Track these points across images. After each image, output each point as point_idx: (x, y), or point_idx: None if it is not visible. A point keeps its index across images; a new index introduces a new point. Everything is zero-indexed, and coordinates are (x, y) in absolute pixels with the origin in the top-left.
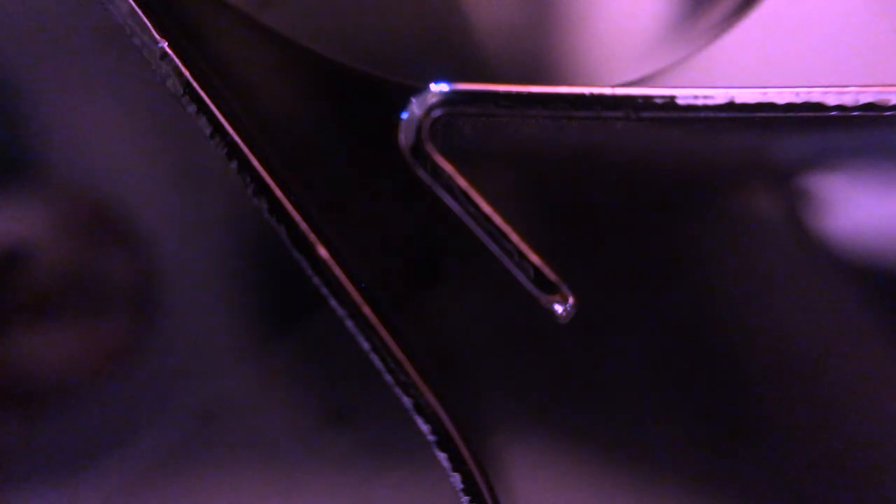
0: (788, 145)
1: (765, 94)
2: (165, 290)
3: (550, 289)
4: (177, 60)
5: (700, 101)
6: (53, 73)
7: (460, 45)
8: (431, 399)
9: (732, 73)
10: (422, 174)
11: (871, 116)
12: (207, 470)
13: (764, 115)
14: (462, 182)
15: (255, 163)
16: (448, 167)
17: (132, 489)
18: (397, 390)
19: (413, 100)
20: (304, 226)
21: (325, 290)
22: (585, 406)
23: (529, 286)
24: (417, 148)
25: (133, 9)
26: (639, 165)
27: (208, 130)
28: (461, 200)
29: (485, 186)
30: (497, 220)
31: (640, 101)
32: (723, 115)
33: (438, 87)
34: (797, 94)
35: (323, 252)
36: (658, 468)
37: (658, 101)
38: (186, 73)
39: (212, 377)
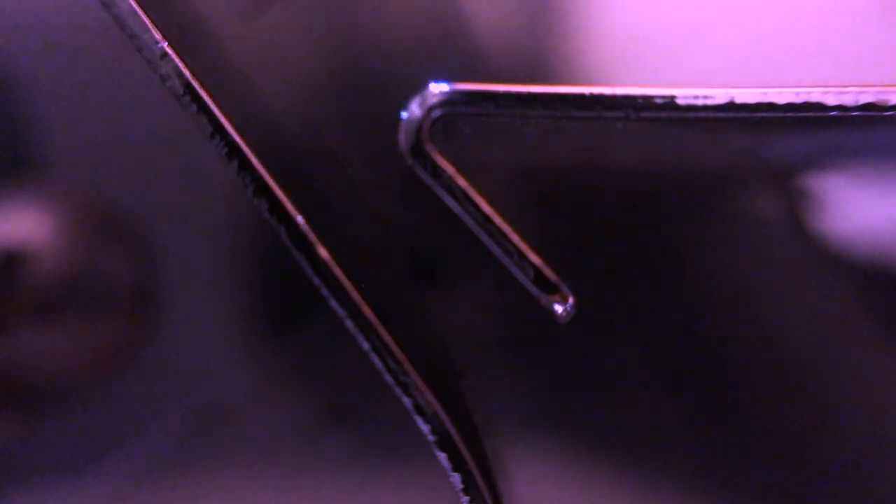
0: (788, 145)
1: (765, 94)
2: (166, 291)
3: (550, 289)
4: (177, 60)
5: (700, 101)
6: (53, 73)
7: (460, 45)
8: (431, 399)
9: (733, 72)
10: (422, 174)
11: (871, 116)
12: (207, 470)
13: (764, 115)
14: (462, 182)
15: (256, 163)
16: (448, 167)
17: (132, 489)
18: (397, 390)
19: (413, 100)
20: (304, 226)
21: (325, 290)
22: (585, 406)
23: (529, 286)
24: (417, 148)
25: (133, 9)
26: (639, 165)
27: (208, 130)
28: (461, 200)
29: (485, 186)
30: (497, 220)
31: (640, 101)
32: (723, 115)
33: (438, 87)
34: (797, 94)
35: (323, 252)
36: (658, 468)
37: (658, 101)
38: (186, 73)
39: (212, 377)
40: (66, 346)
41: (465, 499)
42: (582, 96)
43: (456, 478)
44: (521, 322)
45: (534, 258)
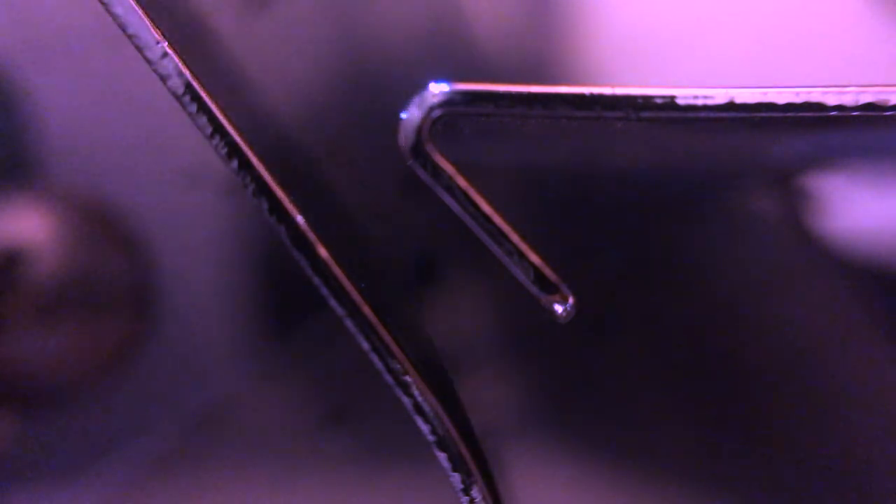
0: (788, 145)
1: (765, 94)
2: (165, 291)
3: (550, 289)
4: (177, 60)
5: (700, 101)
6: (53, 73)
7: (460, 45)
8: (431, 399)
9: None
10: (422, 174)
11: (871, 116)
12: (207, 470)
13: (764, 115)
14: (462, 182)
15: (256, 163)
16: (448, 167)
17: (132, 489)
18: (397, 390)
19: (413, 100)
20: (304, 226)
21: (325, 290)
22: (586, 406)
23: (529, 286)
24: (417, 148)
25: (133, 9)
26: (639, 165)
27: (208, 130)
28: (461, 200)
29: (485, 186)
30: (497, 220)
31: (640, 101)
32: (723, 115)
33: (438, 87)
34: (797, 94)
35: (323, 252)
36: (658, 468)
37: (658, 101)
38: (186, 73)
39: (212, 377)
40: (66, 346)
41: (465, 499)
42: (582, 96)
43: (456, 478)
44: (521, 322)
45: (534, 258)
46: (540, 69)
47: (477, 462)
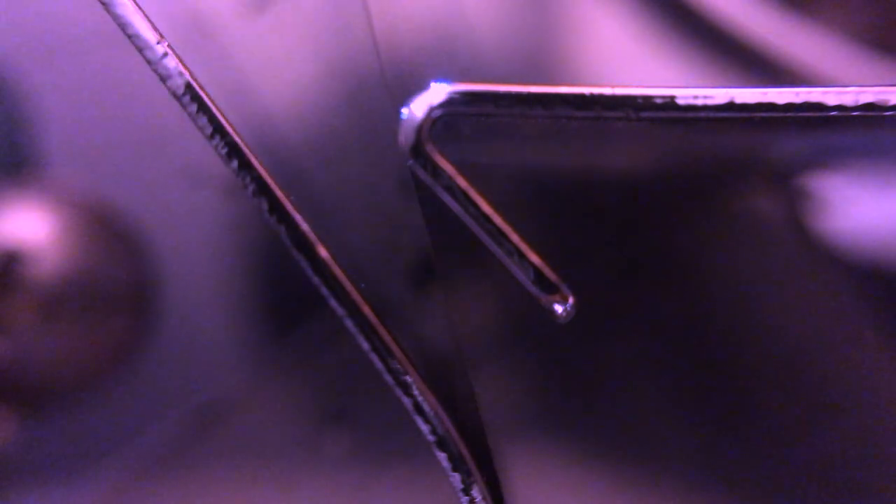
0: (788, 145)
1: (765, 94)
2: (165, 291)
3: (550, 289)
4: (177, 60)
5: (700, 101)
6: (53, 73)
7: (460, 45)
8: (431, 399)
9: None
10: (422, 174)
11: (871, 116)
12: (207, 470)
13: (764, 115)
14: (462, 182)
15: (255, 163)
16: (448, 167)
17: (132, 489)
18: (397, 390)
19: (413, 100)
20: (304, 226)
21: (325, 290)
22: (586, 406)
23: (529, 286)
24: (417, 148)
25: (133, 9)
26: (639, 165)
27: (208, 130)
28: (461, 200)
29: (485, 186)
30: (497, 220)
31: (640, 101)
32: (723, 115)
33: (438, 87)
34: (797, 94)
35: (323, 252)
36: (658, 468)
37: (658, 101)
38: (186, 74)
39: (212, 377)
40: (66, 345)
41: (465, 499)
42: (582, 96)
43: (456, 478)
44: (521, 322)
45: (534, 258)
46: (540, 69)
47: (477, 462)
